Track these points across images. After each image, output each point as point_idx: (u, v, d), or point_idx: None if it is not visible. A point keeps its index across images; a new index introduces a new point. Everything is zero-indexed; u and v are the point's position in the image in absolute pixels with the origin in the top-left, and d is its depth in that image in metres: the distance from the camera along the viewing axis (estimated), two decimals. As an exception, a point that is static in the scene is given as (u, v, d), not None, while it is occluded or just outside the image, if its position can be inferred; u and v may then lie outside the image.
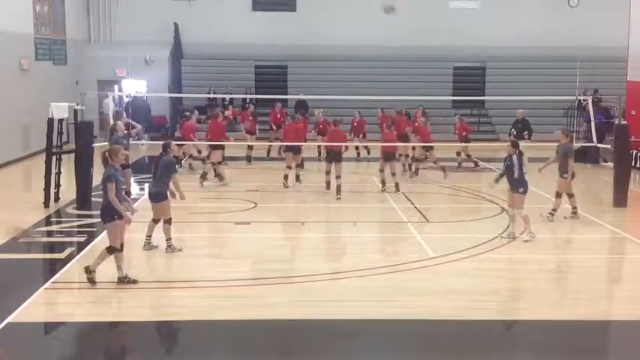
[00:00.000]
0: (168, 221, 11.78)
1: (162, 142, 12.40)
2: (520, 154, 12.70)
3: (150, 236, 11.89)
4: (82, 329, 8.88)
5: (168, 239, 11.78)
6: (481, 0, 31.27)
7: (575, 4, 31.47)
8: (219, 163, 18.63)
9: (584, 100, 19.98)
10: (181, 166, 19.72)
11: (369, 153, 22.89)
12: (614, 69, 27.07)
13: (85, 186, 15.33)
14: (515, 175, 12.54)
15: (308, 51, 30.26)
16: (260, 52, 30.40)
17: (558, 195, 14.42)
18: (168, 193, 11.82)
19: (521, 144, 19.54)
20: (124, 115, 20.99)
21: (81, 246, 12.28)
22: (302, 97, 26.34)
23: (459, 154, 21.53)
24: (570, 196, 14.43)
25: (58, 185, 15.73)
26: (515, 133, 20.14)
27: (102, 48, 29.92)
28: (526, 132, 20.05)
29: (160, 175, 11.84)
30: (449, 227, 14.07)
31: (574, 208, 14.46)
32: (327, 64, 30.36)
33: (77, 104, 16.24)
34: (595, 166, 21.47)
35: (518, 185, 12.58)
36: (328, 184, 17.15)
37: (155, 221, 11.87)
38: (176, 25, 30.47)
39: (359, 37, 30.09)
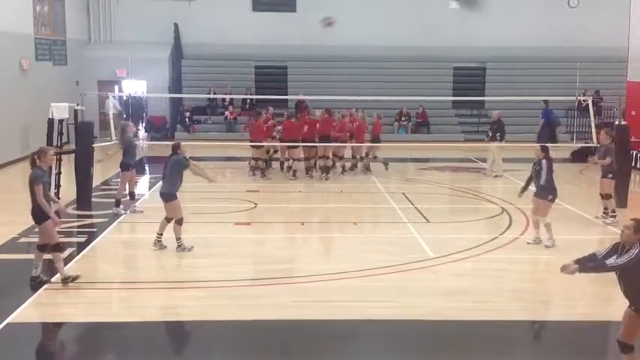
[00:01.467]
0: (178, 221, 11.78)
1: (171, 143, 12.46)
2: (549, 159, 12.29)
3: (161, 234, 11.88)
4: (81, 329, 8.88)
5: (178, 239, 11.77)
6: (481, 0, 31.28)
7: (575, 4, 31.48)
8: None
9: (584, 100, 19.96)
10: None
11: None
12: (614, 69, 27.04)
13: (85, 186, 15.36)
14: (543, 181, 12.08)
15: (308, 51, 30.26)
16: (260, 53, 30.41)
17: (602, 196, 14.31)
18: (177, 193, 11.86)
19: (495, 145, 19.82)
20: (124, 115, 20.96)
21: (81, 246, 12.27)
22: (302, 97, 26.33)
23: (367, 154, 20.67)
24: (608, 197, 14.18)
25: (58, 185, 15.69)
26: (490, 135, 20.22)
27: (102, 48, 29.92)
28: (499, 134, 19.95)
29: (169, 175, 11.87)
30: (449, 227, 14.06)
31: (612, 211, 14.14)
32: (327, 64, 30.38)
33: (77, 104, 16.23)
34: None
35: (546, 192, 12.13)
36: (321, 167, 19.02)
37: (168, 220, 11.88)
38: (176, 25, 30.48)
39: (359, 37, 30.07)
